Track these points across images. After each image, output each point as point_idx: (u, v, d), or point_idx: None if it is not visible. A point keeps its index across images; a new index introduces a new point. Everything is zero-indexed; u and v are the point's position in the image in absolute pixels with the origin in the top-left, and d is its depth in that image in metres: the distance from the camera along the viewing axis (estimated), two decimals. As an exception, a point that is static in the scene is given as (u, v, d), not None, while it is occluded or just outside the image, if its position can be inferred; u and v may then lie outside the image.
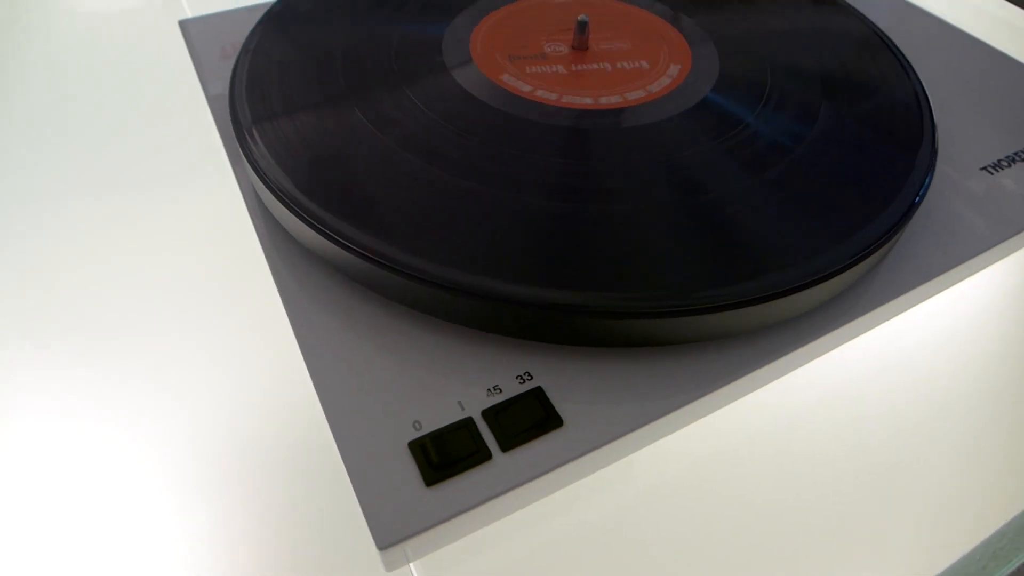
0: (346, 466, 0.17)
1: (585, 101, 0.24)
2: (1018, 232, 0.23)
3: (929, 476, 0.20)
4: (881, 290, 0.21)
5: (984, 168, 0.26)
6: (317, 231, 0.19)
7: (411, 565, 0.17)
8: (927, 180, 0.22)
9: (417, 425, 0.17)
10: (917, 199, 0.22)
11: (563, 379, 0.19)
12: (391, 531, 0.16)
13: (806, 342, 0.19)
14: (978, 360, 0.23)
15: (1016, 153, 0.26)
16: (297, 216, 0.20)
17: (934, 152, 0.23)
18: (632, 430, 0.18)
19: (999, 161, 0.26)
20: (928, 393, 0.22)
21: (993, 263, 0.24)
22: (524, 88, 0.24)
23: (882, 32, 0.29)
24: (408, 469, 0.17)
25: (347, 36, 0.26)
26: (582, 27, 0.25)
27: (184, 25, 0.31)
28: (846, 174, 0.22)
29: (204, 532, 0.18)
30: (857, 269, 0.20)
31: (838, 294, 0.21)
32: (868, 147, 0.23)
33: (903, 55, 0.28)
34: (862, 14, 0.30)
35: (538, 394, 0.18)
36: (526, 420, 0.17)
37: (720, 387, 0.19)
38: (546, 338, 0.19)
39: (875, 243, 0.20)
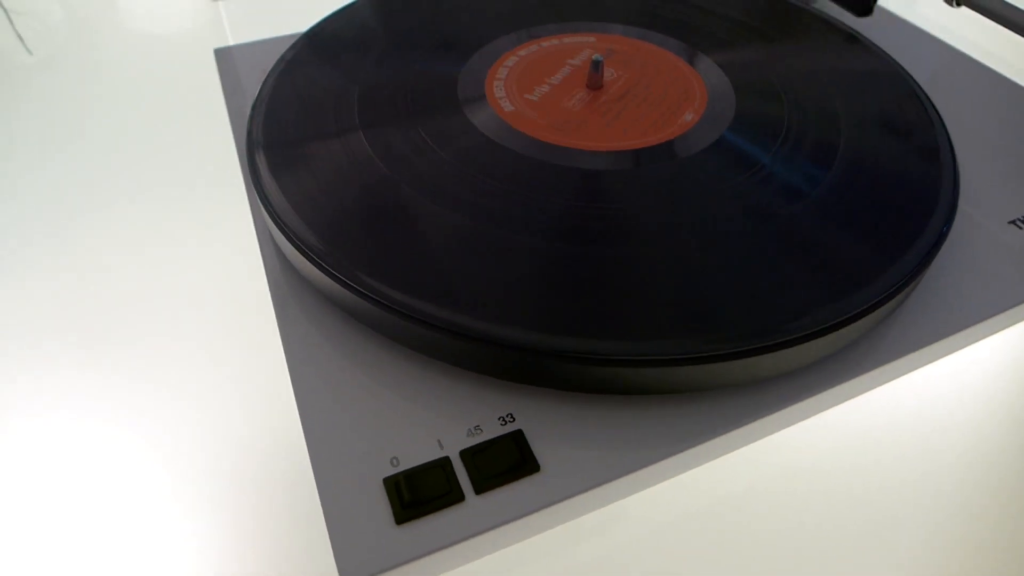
0: (320, 497, 0.17)
1: (589, 144, 0.24)
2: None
3: (923, 542, 0.19)
4: (882, 350, 0.20)
5: (1014, 222, 0.24)
6: (309, 260, 0.20)
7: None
8: (938, 243, 0.21)
9: (395, 461, 0.17)
10: (922, 263, 0.21)
11: (546, 423, 0.18)
12: (356, 566, 0.16)
13: (801, 398, 0.19)
14: (979, 428, 0.22)
15: (1050, 209, 0.25)
16: (293, 245, 0.20)
17: (954, 206, 0.22)
18: (610, 480, 0.17)
19: (1031, 216, 0.25)
20: (929, 453, 0.21)
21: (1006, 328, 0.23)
22: (524, 123, 0.25)
23: (915, 83, 0.28)
24: (380, 506, 0.17)
25: (361, 88, 0.27)
26: (596, 66, 0.25)
27: (219, 53, 0.32)
28: (855, 225, 0.22)
29: (178, 540, 0.19)
30: (853, 328, 0.19)
31: (838, 350, 0.20)
32: (882, 197, 0.23)
33: (930, 102, 0.27)
34: (889, 57, 0.29)
35: (517, 437, 0.18)
36: (502, 463, 0.17)
37: (706, 441, 0.18)
38: (529, 381, 0.19)
39: (871, 306, 0.19)
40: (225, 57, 0.32)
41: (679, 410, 0.19)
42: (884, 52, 0.29)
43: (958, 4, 0.28)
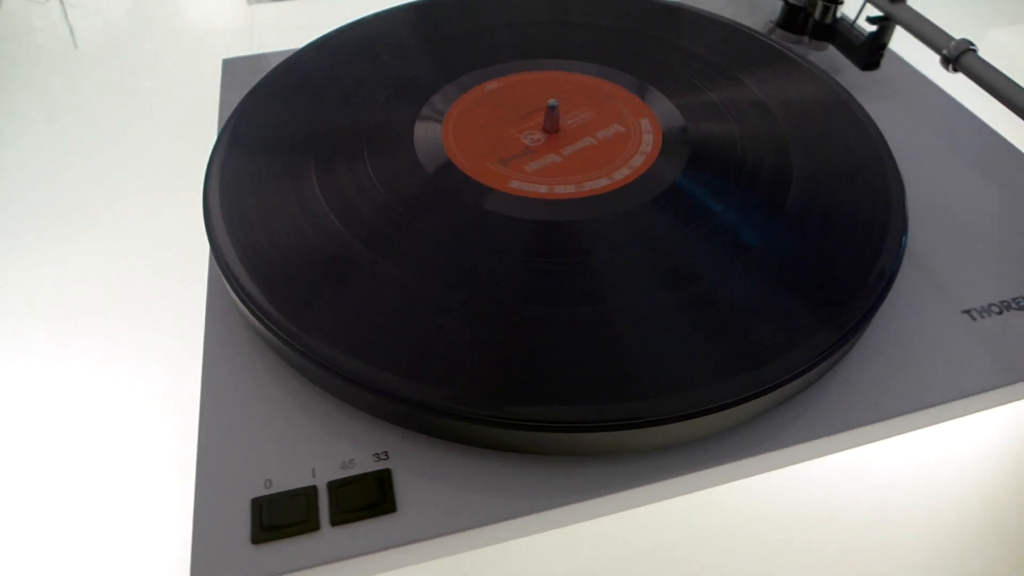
0: (194, 505, 0.18)
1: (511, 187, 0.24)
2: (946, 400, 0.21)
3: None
4: (760, 439, 0.20)
5: (968, 312, 0.23)
6: (228, 281, 0.21)
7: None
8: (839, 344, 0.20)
9: (268, 483, 0.19)
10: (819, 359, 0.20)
11: (417, 465, 0.19)
12: (207, 571, 0.17)
13: (662, 478, 0.19)
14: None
15: (1013, 300, 0.23)
16: (220, 267, 0.22)
17: (879, 289, 0.22)
18: (463, 530, 0.18)
19: (990, 306, 0.23)
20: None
21: (926, 425, 0.21)
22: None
23: (875, 131, 0.27)
24: (243, 523, 0.18)
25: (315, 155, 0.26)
26: (552, 111, 0.26)
27: (226, 64, 0.34)
28: (758, 310, 0.21)
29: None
30: (724, 416, 0.19)
31: (717, 432, 0.20)
32: (811, 271, 0.22)
33: (895, 173, 0.25)
34: (864, 117, 0.28)
35: (382, 476, 0.19)
36: (362, 499, 0.18)
37: (563, 505, 0.19)
38: (403, 425, 0.19)
39: (752, 394, 0.19)
40: (231, 68, 0.35)
41: (543, 471, 0.19)
42: (859, 108, 0.28)
43: (954, 70, 0.26)
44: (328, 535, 0.18)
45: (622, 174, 0.25)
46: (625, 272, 0.22)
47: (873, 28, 0.30)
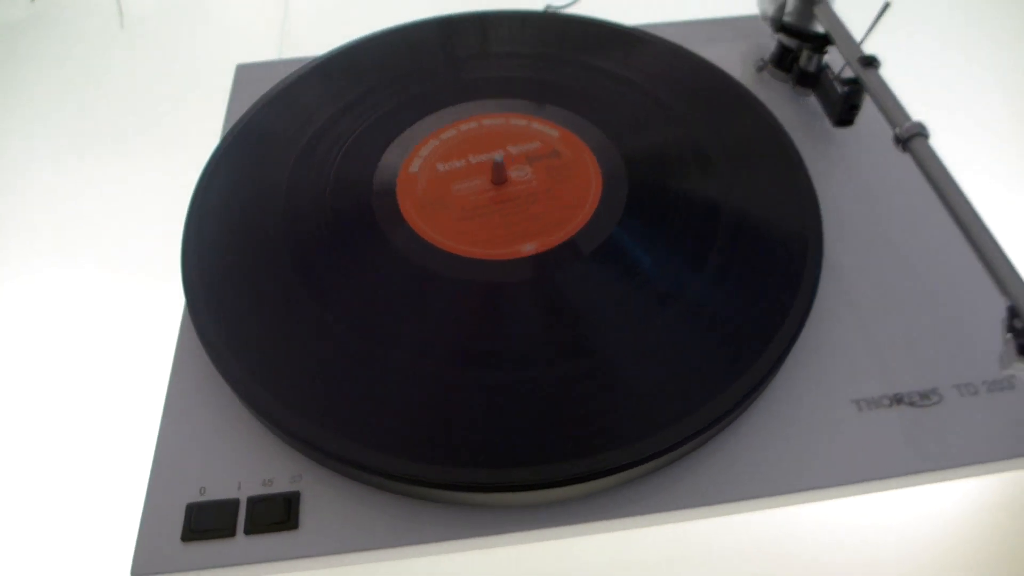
0: (144, 504, 0.23)
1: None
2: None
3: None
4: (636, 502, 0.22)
5: (857, 401, 0.24)
6: (195, 322, 0.25)
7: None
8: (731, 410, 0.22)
9: (202, 491, 0.23)
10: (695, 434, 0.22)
11: (325, 489, 0.23)
12: (143, 563, 0.22)
13: (520, 529, 0.22)
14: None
15: (906, 394, 0.24)
16: (189, 307, 0.26)
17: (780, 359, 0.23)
18: (355, 551, 0.22)
19: (881, 398, 0.24)
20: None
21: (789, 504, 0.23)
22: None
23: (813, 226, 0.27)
24: (178, 523, 0.22)
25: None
26: (498, 167, 0.27)
27: (240, 69, 0.37)
28: (654, 374, 0.23)
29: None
30: (583, 487, 0.22)
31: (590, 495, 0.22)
32: (697, 350, 0.24)
33: (818, 251, 0.26)
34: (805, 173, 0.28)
35: (291, 497, 0.23)
36: (272, 516, 0.22)
37: (441, 541, 0.22)
38: (312, 459, 0.23)
39: (612, 468, 0.21)
40: (244, 73, 0.37)
41: (424, 512, 0.22)
42: (804, 177, 0.28)
43: (903, 150, 0.26)
44: (240, 543, 0.22)
45: (555, 237, 0.27)
46: (520, 340, 0.24)
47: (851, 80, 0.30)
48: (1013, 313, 0.21)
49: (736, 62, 0.37)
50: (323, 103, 0.32)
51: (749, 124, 0.30)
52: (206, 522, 0.22)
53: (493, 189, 0.28)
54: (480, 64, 0.34)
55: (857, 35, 0.33)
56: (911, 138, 0.26)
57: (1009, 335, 0.21)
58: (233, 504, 0.23)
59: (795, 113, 0.34)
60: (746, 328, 0.24)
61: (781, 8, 0.33)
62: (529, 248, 0.26)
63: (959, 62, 0.43)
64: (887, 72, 0.29)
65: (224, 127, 0.35)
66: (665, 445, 0.22)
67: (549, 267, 0.26)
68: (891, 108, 0.27)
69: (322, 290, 0.26)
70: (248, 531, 0.22)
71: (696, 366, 0.23)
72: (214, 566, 0.22)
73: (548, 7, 0.45)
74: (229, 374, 0.24)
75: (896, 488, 0.23)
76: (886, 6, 0.30)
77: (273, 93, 0.33)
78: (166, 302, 0.29)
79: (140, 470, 0.25)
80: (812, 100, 0.33)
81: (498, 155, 0.28)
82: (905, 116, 0.26)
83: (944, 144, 0.26)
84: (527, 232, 0.27)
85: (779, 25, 0.33)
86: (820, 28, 0.31)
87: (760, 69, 0.34)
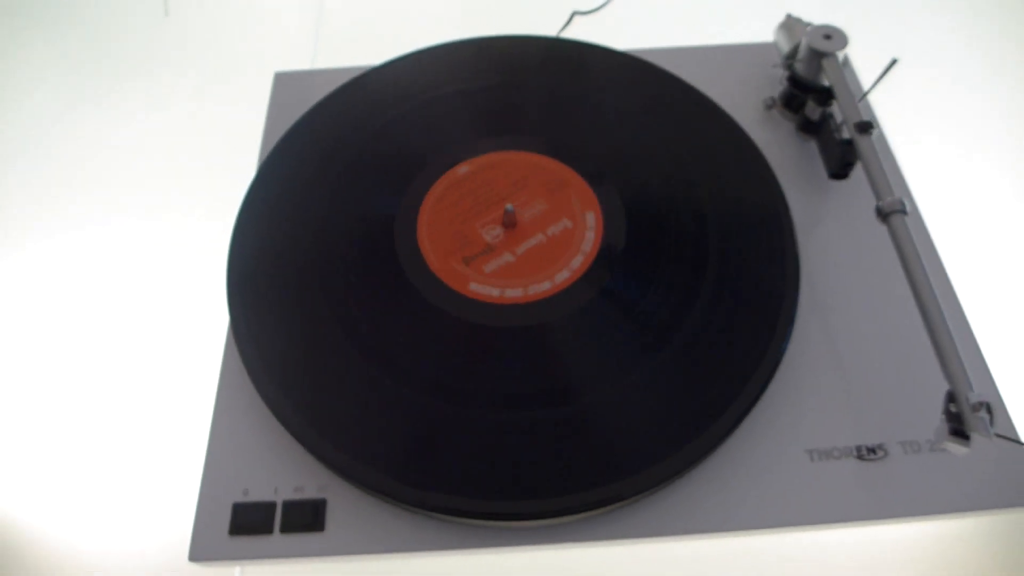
0: (197, 503, 0.28)
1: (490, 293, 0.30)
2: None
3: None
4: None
5: (810, 451, 0.27)
6: (239, 349, 0.29)
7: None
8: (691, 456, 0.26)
9: (246, 492, 0.28)
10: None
11: (347, 498, 0.27)
12: (199, 550, 0.27)
13: (512, 544, 0.26)
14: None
15: (856, 447, 0.27)
16: (233, 331, 0.30)
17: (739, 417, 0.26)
18: (372, 553, 0.26)
19: (832, 449, 0.27)
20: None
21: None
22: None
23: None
24: (226, 519, 0.27)
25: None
26: (509, 214, 0.30)
27: (278, 77, 0.39)
28: (626, 422, 0.26)
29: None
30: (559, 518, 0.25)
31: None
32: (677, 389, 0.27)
33: (793, 303, 0.29)
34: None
35: (318, 504, 0.27)
36: (303, 518, 0.27)
37: (441, 550, 0.26)
38: (336, 472, 0.27)
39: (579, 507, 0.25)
40: (282, 82, 0.40)
41: (432, 526, 0.26)
42: (790, 233, 0.31)
43: (882, 222, 0.28)
44: (276, 539, 0.27)
45: (562, 277, 0.30)
46: (522, 383, 0.28)
47: (846, 141, 0.31)
48: (950, 398, 0.24)
49: (751, 92, 0.38)
50: (348, 132, 0.35)
51: (749, 181, 0.32)
52: (249, 520, 0.27)
53: (504, 232, 0.31)
54: (490, 94, 0.36)
55: (868, 82, 0.34)
56: (891, 213, 0.28)
57: (943, 416, 0.24)
58: (271, 506, 0.27)
59: (798, 154, 0.35)
60: (716, 386, 0.27)
61: (794, 52, 0.34)
62: (542, 289, 0.29)
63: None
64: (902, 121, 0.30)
65: (264, 138, 0.38)
66: (641, 487, 0.25)
67: (561, 308, 0.29)
68: (878, 178, 0.29)
69: (348, 325, 0.29)
70: (283, 530, 0.27)
71: (671, 416, 0.27)
72: (255, 557, 0.26)
73: (575, 13, 0.46)
74: (267, 397, 0.28)
75: (841, 528, 0.27)
76: (893, 62, 0.31)
77: (302, 122, 0.36)
78: (215, 306, 0.33)
79: (193, 463, 0.30)
80: (814, 145, 0.35)
81: (508, 204, 0.30)
82: (888, 190, 0.28)
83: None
84: (535, 276, 0.30)
85: (789, 67, 0.34)
86: (826, 82, 0.32)
87: (769, 108, 0.36)
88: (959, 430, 0.24)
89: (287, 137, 0.35)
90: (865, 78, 0.37)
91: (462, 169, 0.33)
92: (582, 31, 0.44)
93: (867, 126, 0.30)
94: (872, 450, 0.27)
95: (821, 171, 0.34)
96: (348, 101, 0.36)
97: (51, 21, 0.50)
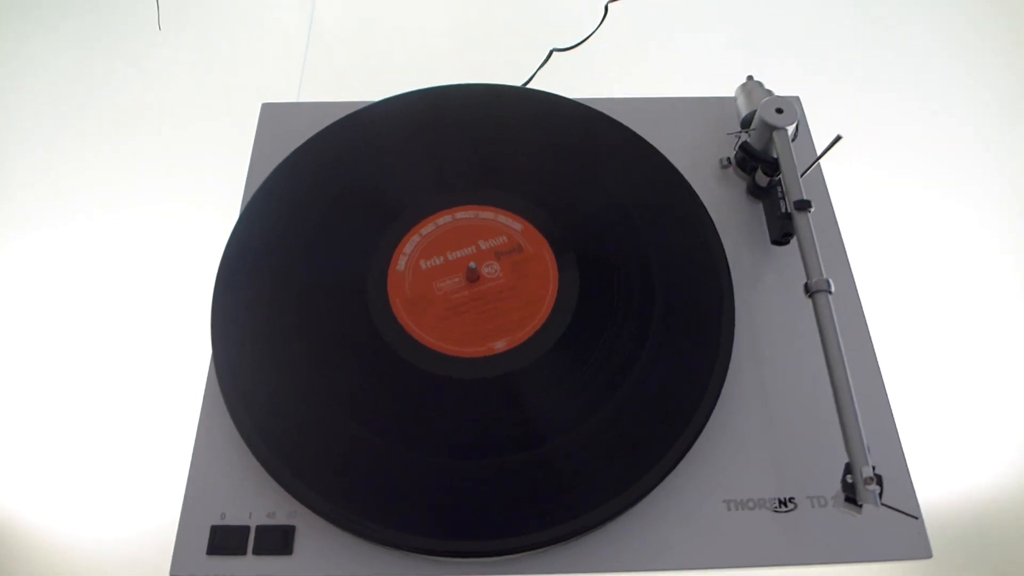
0: (179, 522, 0.31)
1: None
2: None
3: None
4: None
5: (729, 501, 0.31)
6: (218, 379, 0.32)
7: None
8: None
9: (223, 516, 0.31)
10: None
11: (316, 525, 0.30)
12: (180, 565, 0.30)
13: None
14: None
15: (769, 500, 0.30)
16: (216, 367, 0.32)
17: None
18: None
19: (747, 501, 0.30)
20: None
21: None
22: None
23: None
24: (204, 539, 0.30)
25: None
26: (472, 271, 0.33)
27: (265, 108, 0.41)
28: (566, 471, 0.30)
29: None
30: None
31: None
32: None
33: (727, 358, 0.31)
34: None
35: (287, 530, 0.30)
36: (273, 542, 0.30)
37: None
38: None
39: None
40: (269, 113, 0.42)
41: (387, 553, 0.29)
42: (728, 295, 0.33)
43: (808, 297, 0.30)
44: (249, 560, 0.30)
45: (521, 334, 0.32)
46: (482, 430, 0.31)
47: (786, 214, 0.33)
48: (847, 470, 0.27)
49: (713, 146, 0.40)
50: (321, 185, 0.37)
51: (695, 239, 0.35)
52: (225, 541, 0.30)
53: (468, 287, 0.33)
54: (447, 148, 0.39)
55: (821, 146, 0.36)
56: (816, 292, 0.30)
57: (841, 485, 0.27)
58: (245, 530, 0.30)
59: (747, 214, 0.38)
60: (645, 442, 0.30)
61: (749, 119, 0.36)
62: (500, 346, 0.32)
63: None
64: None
65: (250, 167, 0.40)
66: (568, 532, 0.29)
67: (517, 363, 0.32)
68: (809, 257, 0.31)
69: (322, 373, 0.32)
70: (255, 552, 0.30)
71: (606, 467, 0.30)
72: (229, 575, 0.30)
73: (553, 50, 0.48)
74: (243, 431, 0.31)
75: (753, 572, 0.30)
76: (837, 138, 0.33)
77: (282, 168, 0.38)
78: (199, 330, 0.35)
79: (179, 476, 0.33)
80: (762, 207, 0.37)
81: (472, 262, 0.33)
82: (817, 269, 0.31)
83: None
84: (498, 330, 0.32)
85: (744, 133, 0.36)
86: (774, 154, 0.34)
87: (724, 167, 0.38)
88: (852, 499, 0.27)
89: (269, 180, 0.37)
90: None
91: (428, 225, 0.35)
92: (560, 68, 0.46)
93: (805, 204, 0.32)
94: (783, 502, 0.31)
95: (765, 233, 0.37)
96: (324, 148, 0.38)
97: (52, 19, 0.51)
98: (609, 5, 0.46)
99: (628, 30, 0.46)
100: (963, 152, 0.43)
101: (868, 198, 0.42)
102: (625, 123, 0.39)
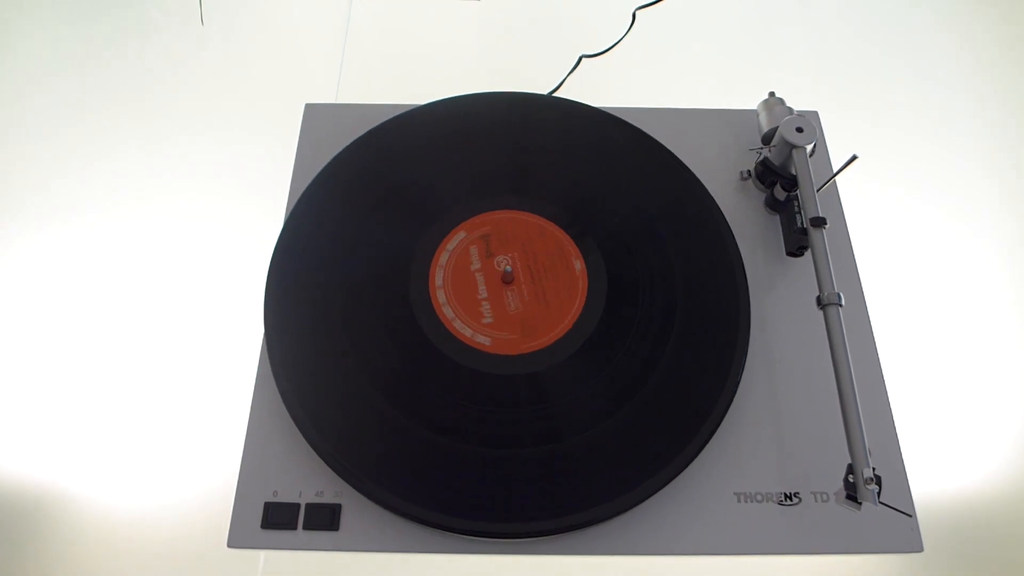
0: (235, 499, 0.33)
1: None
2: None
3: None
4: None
5: (739, 494, 0.33)
6: (271, 365, 0.34)
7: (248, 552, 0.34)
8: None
9: (275, 493, 0.34)
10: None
11: (358, 505, 0.33)
12: (237, 538, 0.33)
13: (501, 552, 0.32)
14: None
15: (776, 494, 0.33)
16: (269, 353, 0.35)
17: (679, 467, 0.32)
18: (381, 551, 0.32)
19: (756, 494, 0.33)
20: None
21: None
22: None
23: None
24: (258, 514, 0.33)
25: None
26: (507, 275, 0.35)
27: (308, 109, 0.43)
28: (589, 466, 0.32)
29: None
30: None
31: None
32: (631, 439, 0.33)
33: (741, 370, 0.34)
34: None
35: (334, 508, 0.33)
36: (321, 519, 0.33)
37: (434, 552, 0.32)
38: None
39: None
40: (312, 113, 0.44)
41: (427, 532, 0.32)
42: (744, 304, 0.35)
43: (820, 309, 0.33)
44: (299, 533, 0.33)
45: (553, 334, 0.35)
46: (513, 425, 0.33)
47: (801, 229, 0.36)
48: (849, 470, 0.30)
49: (735, 157, 0.42)
50: (372, 178, 0.39)
51: (715, 248, 0.37)
52: (277, 517, 0.33)
53: (502, 288, 0.36)
54: (484, 153, 0.41)
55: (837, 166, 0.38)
56: (828, 305, 0.33)
57: (842, 483, 0.30)
58: (296, 507, 0.33)
59: (765, 224, 0.40)
60: (663, 439, 0.33)
61: (770, 136, 0.38)
62: (531, 344, 0.35)
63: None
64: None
65: (295, 165, 0.42)
66: (603, 515, 0.31)
67: (547, 361, 0.35)
68: (822, 271, 0.33)
69: (366, 363, 0.34)
70: (305, 527, 0.33)
71: (629, 459, 0.32)
72: (282, 547, 0.33)
73: (582, 56, 0.49)
74: (295, 416, 0.33)
75: (760, 557, 0.33)
76: (853, 157, 0.35)
77: (330, 169, 0.40)
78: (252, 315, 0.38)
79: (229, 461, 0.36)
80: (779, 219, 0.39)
81: (508, 265, 0.35)
82: (829, 283, 0.33)
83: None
84: (532, 329, 0.35)
85: (765, 148, 0.38)
86: (793, 171, 0.36)
87: (744, 179, 0.40)
88: (852, 496, 0.29)
89: (318, 178, 0.40)
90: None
91: (452, 241, 0.38)
92: (589, 73, 0.48)
93: (820, 221, 0.34)
94: (789, 496, 0.33)
95: (782, 244, 0.39)
96: (371, 148, 0.41)
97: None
98: (637, 12, 0.48)
99: (656, 36, 0.47)
100: (977, 173, 0.45)
101: (881, 214, 0.44)
102: (649, 132, 0.41)
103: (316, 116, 0.44)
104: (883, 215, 0.44)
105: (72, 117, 0.49)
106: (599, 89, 0.44)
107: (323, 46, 0.48)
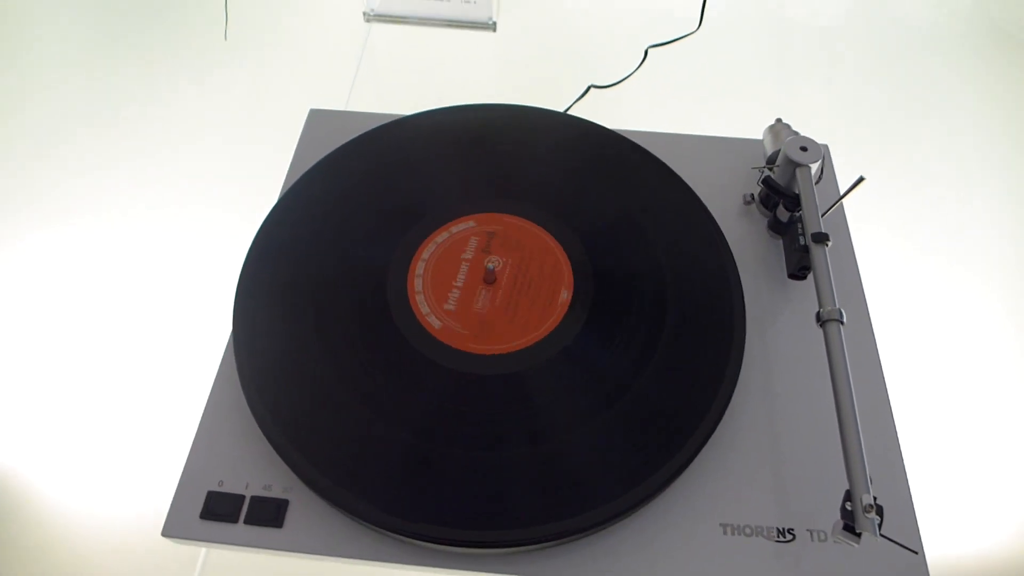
0: (177, 485, 0.31)
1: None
2: None
3: None
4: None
5: (726, 525, 0.30)
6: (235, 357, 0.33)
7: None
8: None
9: (220, 483, 0.31)
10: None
11: (309, 503, 0.31)
12: (173, 527, 0.30)
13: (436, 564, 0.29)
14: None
15: (767, 528, 0.30)
16: (233, 342, 0.33)
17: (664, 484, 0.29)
18: (324, 555, 0.30)
19: (744, 527, 0.30)
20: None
21: None
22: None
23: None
24: (199, 503, 0.31)
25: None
26: (489, 273, 0.34)
27: (312, 114, 0.43)
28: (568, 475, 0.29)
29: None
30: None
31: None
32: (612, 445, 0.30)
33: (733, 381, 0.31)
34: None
35: (280, 503, 0.30)
36: (265, 514, 0.30)
37: (384, 562, 0.29)
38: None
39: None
40: (315, 118, 0.44)
41: (371, 535, 0.30)
42: (740, 320, 0.33)
43: (819, 326, 0.30)
44: (239, 527, 0.30)
45: (534, 335, 0.33)
46: (485, 425, 0.31)
47: (804, 248, 0.34)
48: (847, 497, 0.27)
49: (738, 184, 0.41)
50: (358, 179, 0.39)
51: (711, 267, 0.35)
52: (219, 507, 0.30)
53: (484, 287, 0.34)
54: (475, 161, 0.40)
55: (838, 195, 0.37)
56: (828, 321, 0.30)
57: (840, 512, 0.27)
58: (240, 499, 0.31)
59: (767, 249, 0.38)
60: (644, 453, 0.30)
61: (774, 157, 0.37)
62: (513, 344, 0.33)
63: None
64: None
65: (290, 167, 0.42)
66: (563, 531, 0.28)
67: (528, 362, 0.32)
68: (823, 286, 0.31)
69: (335, 362, 0.33)
70: (247, 521, 0.30)
71: (605, 474, 0.30)
72: (218, 542, 0.30)
73: (591, 86, 0.50)
74: (252, 404, 0.31)
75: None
76: (860, 179, 0.34)
77: (320, 166, 0.40)
78: (220, 313, 0.37)
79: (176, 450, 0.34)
80: (782, 243, 0.37)
81: (491, 264, 0.34)
82: (830, 299, 0.31)
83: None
84: (488, 334, 0.33)
85: (768, 169, 0.37)
86: (796, 190, 0.35)
87: (747, 203, 0.39)
88: (851, 527, 0.26)
89: (306, 175, 0.39)
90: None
91: (457, 226, 0.37)
92: (595, 103, 0.48)
93: (822, 237, 0.32)
94: (782, 532, 0.30)
95: (783, 267, 0.37)
96: (363, 151, 0.40)
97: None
98: (650, 50, 0.49)
99: (665, 73, 0.48)
100: (987, 203, 0.44)
101: (892, 243, 0.42)
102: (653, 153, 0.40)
103: (319, 121, 0.44)
104: (894, 244, 0.42)
105: (85, 120, 0.50)
106: (603, 118, 0.44)
107: (338, 67, 0.49)
